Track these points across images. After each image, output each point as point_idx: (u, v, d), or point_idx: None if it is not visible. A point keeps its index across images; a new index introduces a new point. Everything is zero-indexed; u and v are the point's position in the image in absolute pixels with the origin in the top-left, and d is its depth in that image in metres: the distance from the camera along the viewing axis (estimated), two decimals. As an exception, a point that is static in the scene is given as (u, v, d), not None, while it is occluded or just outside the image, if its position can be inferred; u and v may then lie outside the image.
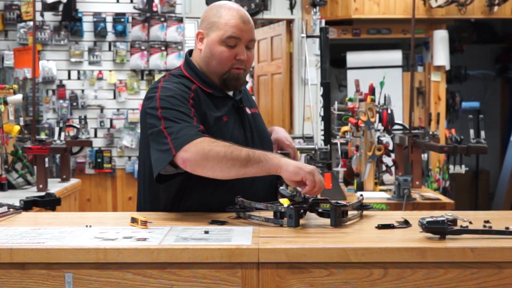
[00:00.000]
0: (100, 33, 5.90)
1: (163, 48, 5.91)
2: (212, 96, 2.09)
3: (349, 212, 1.85)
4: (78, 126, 4.29)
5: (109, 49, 5.96)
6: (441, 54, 6.14)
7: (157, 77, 5.82)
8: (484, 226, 1.71)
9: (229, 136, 2.04)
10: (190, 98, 1.99)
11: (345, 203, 1.84)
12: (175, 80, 2.07)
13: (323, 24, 5.22)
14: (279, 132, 2.28)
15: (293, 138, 4.61)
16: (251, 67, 2.16)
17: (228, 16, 2.05)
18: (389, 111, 3.66)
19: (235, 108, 2.13)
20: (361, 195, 2.05)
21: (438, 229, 1.58)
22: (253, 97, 7.32)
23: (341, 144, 3.87)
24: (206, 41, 2.08)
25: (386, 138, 3.80)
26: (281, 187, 2.08)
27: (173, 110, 1.93)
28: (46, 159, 3.57)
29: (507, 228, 1.64)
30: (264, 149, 2.09)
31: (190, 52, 2.20)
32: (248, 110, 2.20)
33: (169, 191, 2.04)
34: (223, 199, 1.99)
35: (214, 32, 2.06)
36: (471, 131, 3.39)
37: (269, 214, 1.82)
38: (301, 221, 1.77)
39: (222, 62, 2.06)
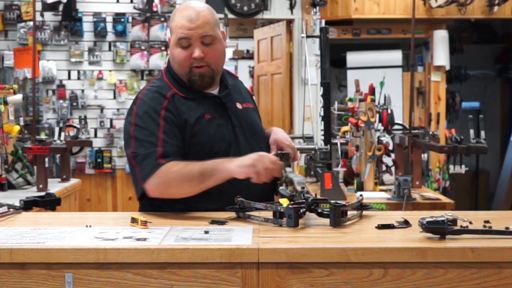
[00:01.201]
0: (100, 33, 5.90)
1: (163, 48, 5.91)
2: (191, 97, 2.11)
3: (349, 212, 1.85)
4: (78, 126, 4.29)
5: (109, 49, 5.95)
6: (441, 54, 6.13)
7: (157, 77, 5.81)
8: (484, 226, 1.71)
9: (214, 132, 2.07)
10: (163, 108, 2.05)
11: (344, 203, 1.84)
12: (154, 88, 2.13)
13: (323, 24, 5.22)
14: (278, 133, 2.29)
15: (293, 138, 4.63)
16: (219, 62, 2.14)
17: (178, 18, 2.09)
18: (389, 111, 3.66)
19: (219, 105, 2.14)
20: (361, 195, 2.05)
21: (438, 229, 1.58)
22: (254, 97, 7.33)
23: (341, 144, 3.86)
24: (170, 45, 2.14)
25: (386, 138, 3.79)
26: (281, 187, 2.08)
27: (143, 129, 2.03)
28: (46, 159, 3.57)
29: (507, 228, 1.64)
30: (257, 143, 2.16)
31: None
32: (239, 105, 2.21)
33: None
34: (217, 204, 2.01)
35: (172, 37, 2.12)
36: (471, 131, 3.39)
37: (269, 214, 1.82)
38: (301, 221, 1.77)
39: (181, 64, 2.10)
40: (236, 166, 1.92)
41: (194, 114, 2.08)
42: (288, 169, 2.15)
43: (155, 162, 1.98)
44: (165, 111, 2.05)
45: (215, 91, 2.17)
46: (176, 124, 2.04)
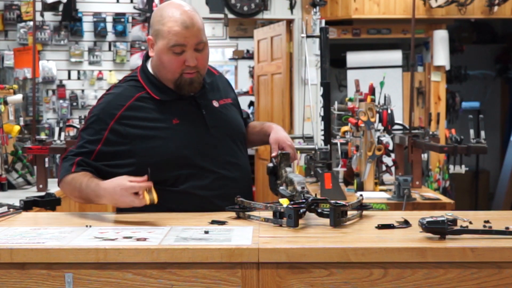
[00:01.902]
0: (100, 33, 5.90)
1: (163, 48, 5.91)
2: (162, 101, 2.10)
3: (349, 212, 1.85)
4: (78, 126, 4.29)
5: (109, 49, 5.96)
6: (441, 54, 6.13)
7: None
8: (484, 226, 1.71)
9: (182, 137, 2.06)
10: (115, 119, 2.04)
11: (344, 203, 1.84)
12: (119, 90, 2.13)
13: (323, 24, 5.22)
14: (278, 132, 2.28)
15: (293, 138, 4.62)
16: (206, 66, 2.14)
17: (170, 23, 2.01)
18: (389, 111, 3.66)
19: (193, 106, 2.13)
20: (361, 195, 2.05)
21: (438, 229, 1.58)
22: (253, 94, 7.30)
23: (341, 144, 3.86)
24: (155, 48, 2.08)
25: (386, 138, 3.79)
26: (281, 187, 2.08)
27: (88, 134, 2.07)
28: (46, 159, 3.57)
29: (507, 228, 1.64)
30: (233, 142, 2.17)
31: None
32: (215, 103, 2.19)
33: None
34: (195, 206, 2.04)
35: (160, 41, 2.04)
36: (471, 131, 3.39)
37: (269, 214, 1.82)
38: (301, 221, 1.77)
39: (172, 70, 2.06)
40: (114, 201, 1.89)
41: (159, 121, 2.07)
42: (288, 169, 2.15)
43: (68, 168, 2.05)
44: (115, 122, 2.04)
45: None
46: (125, 135, 2.04)
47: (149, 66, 2.18)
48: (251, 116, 6.94)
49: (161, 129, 2.06)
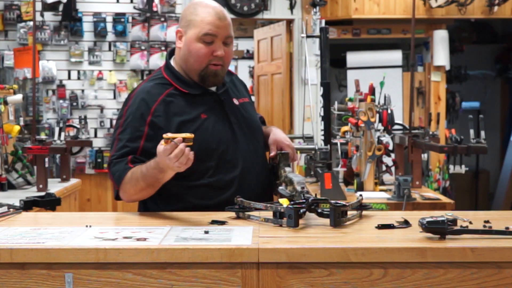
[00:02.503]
0: (100, 33, 5.90)
1: (163, 48, 5.91)
2: (189, 95, 2.13)
3: (349, 212, 1.85)
4: (78, 126, 4.29)
5: (109, 49, 5.96)
6: (441, 54, 6.13)
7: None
8: (484, 226, 1.71)
9: (210, 131, 2.09)
10: (151, 113, 2.05)
11: (344, 203, 1.84)
12: (147, 88, 2.13)
13: (323, 24, 5.22)
14: (277, 134, 2.31)
15: (293, 138, 4.61)
16: (230, 63, 2.19)
17: (204, 14, 2.09)
18: (389, 111, 3.66)
19: (217, 102, 2.16)
20: (361, 195, 2.05)
21: (438, 229, 1.59)
22: (253, 94, 7.31)
23: (341, 144, 3.86)
24: (184, 39, 2.13)
25: (386, 138, 3.79)
26: (280, 187, 2.08)
27: (127, 133, 2.06)
28: (46, 159, 3.57)
29: (507, 228, 1.64)
30: (255, 138, 2.20)
31: (172, 51, 2.24)
32: (236, 101, 2.23)
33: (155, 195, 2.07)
34: (215, 200, 2.06)
35: (191, 30, 2.10)
36: (471, 131, 3.39)
37: (269, 214, 1.82)
38: (301, 221, 1.77)
39: (199, 59, 2.10)
40: (165, 166, 1.87)
41: (189, 114, 2.10)
42: (288, 169, 2.15)
43: (125, 167, 2.02)
44: (152, 116, 2.06)
45: (213, 88, 2.19)
46: (163, 128, 2.05)
47: (173, 63, 2.21)
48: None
49: (192, 123, 2.08)
